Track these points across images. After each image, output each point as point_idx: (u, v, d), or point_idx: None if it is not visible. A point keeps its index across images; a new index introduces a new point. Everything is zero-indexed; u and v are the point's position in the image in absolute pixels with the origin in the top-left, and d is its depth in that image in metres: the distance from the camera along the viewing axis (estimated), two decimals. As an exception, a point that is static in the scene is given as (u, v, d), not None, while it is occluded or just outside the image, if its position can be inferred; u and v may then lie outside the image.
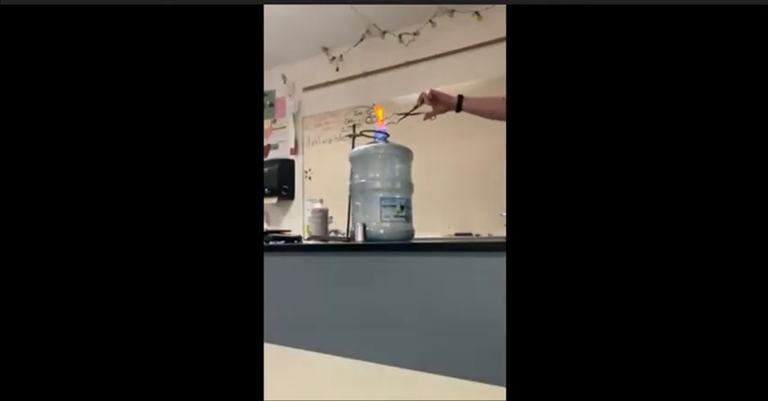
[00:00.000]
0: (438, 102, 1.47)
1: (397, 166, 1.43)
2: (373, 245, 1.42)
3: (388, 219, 1.39)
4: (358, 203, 1.43)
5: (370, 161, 1.41)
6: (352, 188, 1.45)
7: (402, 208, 1.40)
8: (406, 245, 1.33)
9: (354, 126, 3.16)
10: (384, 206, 1.39)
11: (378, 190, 1.39)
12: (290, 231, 1.62)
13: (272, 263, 1.41)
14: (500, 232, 2.33)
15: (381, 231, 1.38)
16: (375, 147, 1.42)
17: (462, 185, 2.63)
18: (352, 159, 1.44)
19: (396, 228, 1.39)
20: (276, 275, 1.42)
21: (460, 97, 1.44)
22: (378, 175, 1.41)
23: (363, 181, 1.41)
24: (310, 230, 1.66)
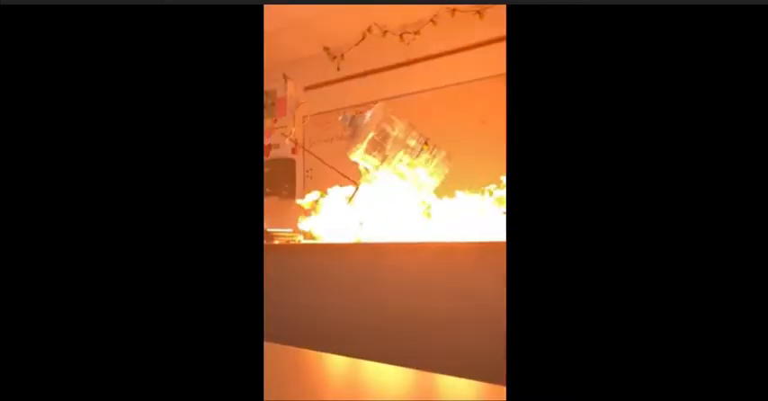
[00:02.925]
0: None
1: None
2: (373, 245, 1.42)
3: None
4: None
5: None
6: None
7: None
8: (405, 245, 1.33)
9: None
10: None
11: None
12: (290, 231, 1.62)
13: (272, 263, 1.41)
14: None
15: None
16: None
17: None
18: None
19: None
20: (276, 274, 1.42)
21: None
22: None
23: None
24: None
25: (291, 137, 3.08)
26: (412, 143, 1.54)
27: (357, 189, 1.59)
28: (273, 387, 0.53)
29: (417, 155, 1.54)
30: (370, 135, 1.50)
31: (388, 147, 1.51)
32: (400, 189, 1.55)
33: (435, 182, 1.59)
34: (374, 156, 1.53)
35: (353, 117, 1.58)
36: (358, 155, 1.53)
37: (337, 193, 1.62)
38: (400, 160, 1.53)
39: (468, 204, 1.42)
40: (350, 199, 1.57)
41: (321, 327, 1.32)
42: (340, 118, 1.61)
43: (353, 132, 1.55)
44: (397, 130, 1.54)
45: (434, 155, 1.55)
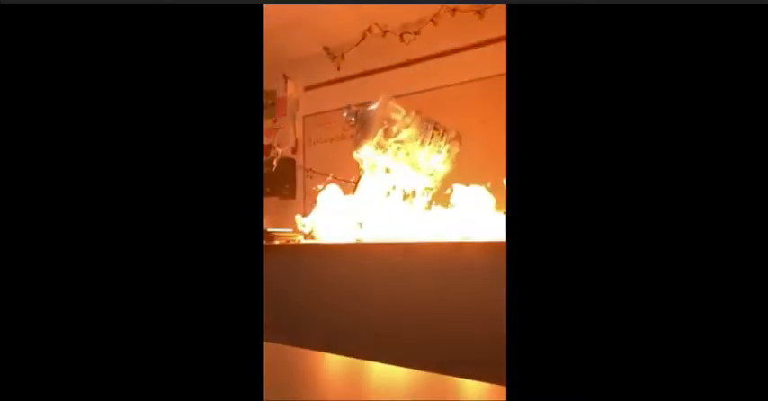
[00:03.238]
0: None
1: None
2: (373, 245, 1.42)
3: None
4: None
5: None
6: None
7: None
8: (406, 245, 1.33)
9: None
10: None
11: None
12: (290, 231, 1.62)
13: (272, 262, 1.41)
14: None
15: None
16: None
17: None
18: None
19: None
20: (276, 274, 1.42)
21: None
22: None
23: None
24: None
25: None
26: (422, 130, 1.50)
27: (358, 181, 1.57)
28: (273, 387, 0.53)
29: (430, 142, 1.51)
30: (381, 129, 1.46)
31: (400, 136, 1.49)
32: (405, 180, 1.53)
33: (447, 168, 1.57)
34: (385, 150, 1.49)
35: (358, 111, 1.55)
36: (368, 150, 1.49)
37: (335, 190, 1.60)
38: (414, 148, 1.50)
39: (469, 199, 1.40)
40: (354, 189, 1.55)
41: (321, 327, 1.32)
42: (345, 114, 1.57)
43: (362, 127, 1.51)
44: (403, 117, 1.50)
45: (444, 138, 1.53)
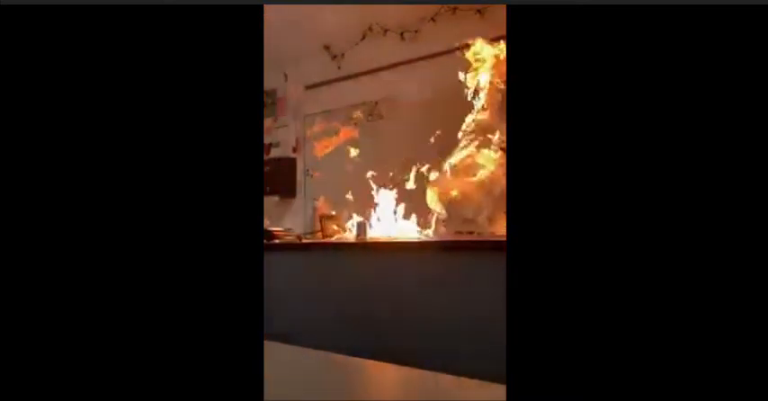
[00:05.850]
0: None
1: None
2: (373, 244, 1.43)
3: None
4: None
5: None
6: None
7: None
8: (407, 244, 1.34)
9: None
10: None
11: None
12: (291, 229, 1.62)
13: (273, 261, 1.41)
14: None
15: None
16: None
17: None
18: None
19: None
20: (277, 273, 1.42)
21: None
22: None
23: None
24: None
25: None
26: None
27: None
28: (273, 387, 0.53)
29: None
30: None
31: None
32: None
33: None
34: None
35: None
36: None
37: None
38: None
39: None
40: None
41: (321, 326, 1.32)
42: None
43: None
44: None
45: None
